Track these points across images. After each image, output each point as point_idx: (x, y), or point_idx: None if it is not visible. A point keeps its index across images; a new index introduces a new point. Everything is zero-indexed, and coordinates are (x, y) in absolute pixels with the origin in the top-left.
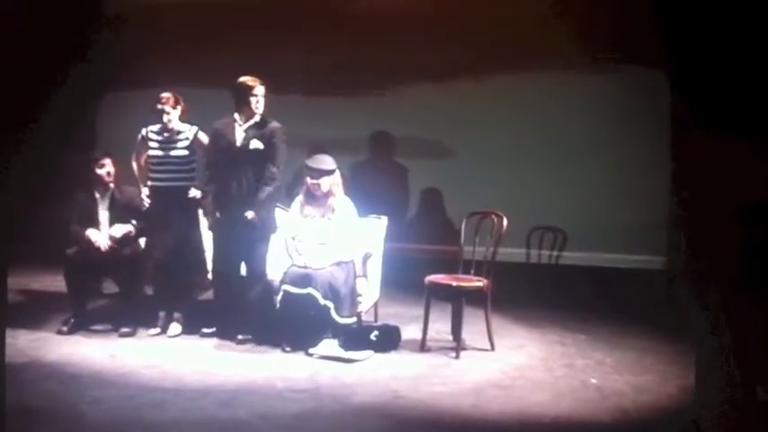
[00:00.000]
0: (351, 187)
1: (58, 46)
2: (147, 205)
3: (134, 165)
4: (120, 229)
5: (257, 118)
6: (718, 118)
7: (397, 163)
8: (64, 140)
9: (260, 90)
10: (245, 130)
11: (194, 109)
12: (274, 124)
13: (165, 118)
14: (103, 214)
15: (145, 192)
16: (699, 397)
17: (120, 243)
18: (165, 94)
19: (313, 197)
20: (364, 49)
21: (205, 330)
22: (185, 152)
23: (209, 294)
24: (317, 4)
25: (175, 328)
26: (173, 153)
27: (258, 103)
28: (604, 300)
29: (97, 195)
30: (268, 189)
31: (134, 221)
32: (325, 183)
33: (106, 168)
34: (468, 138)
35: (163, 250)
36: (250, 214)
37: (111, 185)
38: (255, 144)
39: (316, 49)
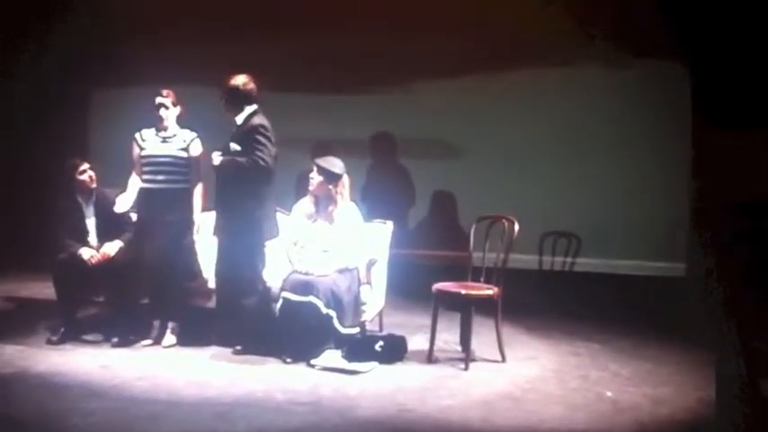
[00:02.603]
0: (355, 191)
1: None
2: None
3: (131, 178)
4: (112, 247)
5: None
6: (740, 115)
7: (402, 165)
8: (52, 142)
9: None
10: (234, 133)
11: (191, 108)
12: (253, 122)
13: (164, 114)
14: (90, 221)
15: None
16: (720, 410)
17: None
18: (164, 91)
19: (317, 201)
20: (368, 45)
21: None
22: (182, 153)
23: (208, 302)
24: None
25: (170, 338)
26: (169, 153)
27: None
28: (620, 308)
29: (81, 201)
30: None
31: (124, 228)
32: (317, 181)
33: (88, 173)
34: (477, 138)
35: (156, 256)
36: (216, 157)
37: (94, 189)
38: (234, 147)
39: (317, 46)
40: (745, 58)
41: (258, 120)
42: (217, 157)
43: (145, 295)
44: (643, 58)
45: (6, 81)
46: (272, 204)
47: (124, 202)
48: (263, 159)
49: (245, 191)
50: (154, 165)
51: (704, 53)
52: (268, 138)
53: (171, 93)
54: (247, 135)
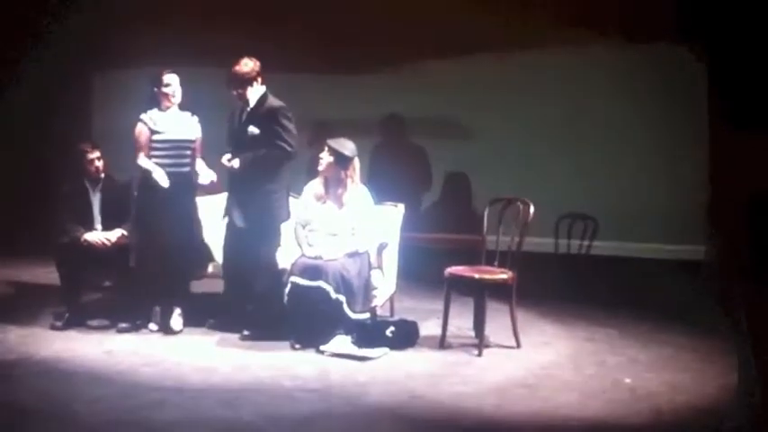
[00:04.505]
0: (365, 172)
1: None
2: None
3: (141, 159)
4: (114, 234)
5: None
6: (756, 114)
7: (414, 145)
8: (55, 126)
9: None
10: (246, 115)
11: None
12: (271, 104)
13: (174, 99)
14: (97, 208)
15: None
16: (740, 398)
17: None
18: (171, 75)
19: (326, 183)
20: (378, 24)
21: (211, 321)
22: (192, 136)
23: (213, 287)
24: None
25: (177, 323)
26: (178, 137)
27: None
28: (638, 293)
29: (88, 186)
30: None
31: (129, 215)
32: (326, 161)
33: (95, 163)
34: (491, 118)
35: (169, 240)
36: (227, 160)
37: (102, 177)
38: (252, 130)
39: (326, 24)
40: (763, 55)
41: (276, 101)
42: (233, 161)
43: (152, 280)
44: (660, 41)
45: (8, 65)
46: (287, 186)
47: (164, 179)
48: (289, 145)
49: (265, 173)
50: (167, 147)
51: (721, 50)
52: (290, 119)
53: (176, 77)
54: (268, 118)
